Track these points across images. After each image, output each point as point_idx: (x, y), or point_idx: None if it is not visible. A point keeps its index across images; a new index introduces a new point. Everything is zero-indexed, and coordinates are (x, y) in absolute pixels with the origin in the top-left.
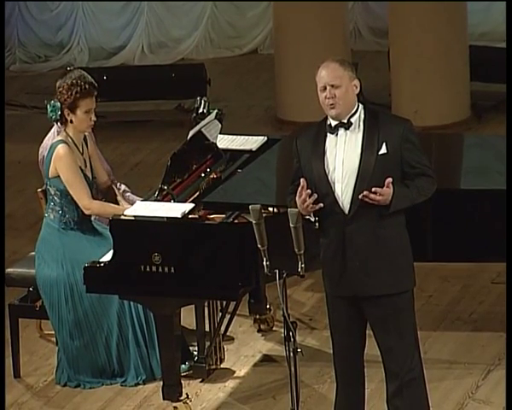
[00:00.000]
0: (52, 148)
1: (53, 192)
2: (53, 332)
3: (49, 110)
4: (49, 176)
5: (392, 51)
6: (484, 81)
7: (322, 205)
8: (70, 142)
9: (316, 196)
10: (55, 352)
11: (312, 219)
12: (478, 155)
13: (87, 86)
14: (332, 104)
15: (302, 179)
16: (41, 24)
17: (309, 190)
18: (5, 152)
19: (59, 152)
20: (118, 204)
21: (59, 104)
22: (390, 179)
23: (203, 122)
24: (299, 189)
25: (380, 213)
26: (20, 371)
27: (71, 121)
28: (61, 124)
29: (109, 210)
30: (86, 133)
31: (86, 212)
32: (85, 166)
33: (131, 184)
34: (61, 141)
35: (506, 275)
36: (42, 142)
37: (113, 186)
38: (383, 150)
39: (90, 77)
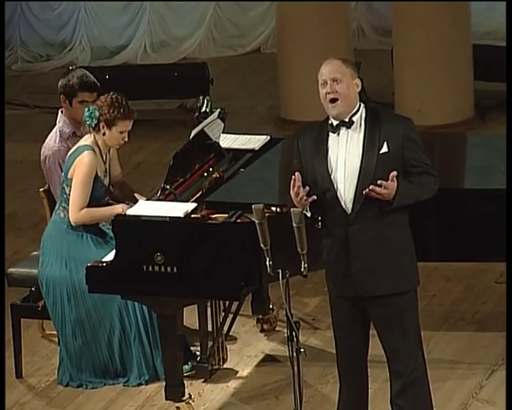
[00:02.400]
0: (79, 150)
1: (68, 192)
2: (55, 333)
3: (86, 114)
4: (68, 176)
5: (395, 50)
6: (487, 80)
7: (315, 197)
8: (97, 151)
9: (308, 188)
10: (58, 352)
11: (308, 215)
12: (481, 154)
13: (129, 109)
14: (332, 99)
15: (297, 173)
16: (43, 23)
17: (299, 183)
18: (7, 151)
19: (83, 158)
20: (124, 201)
21: (97, 114)
22: (395, 173)
23: (206, 121)
24: (292, 182)
25: (382, 211)
26: (22, 371)
27: (103, 134)
28: (93, 130)
29: (96, 215)
30: None
31: (72, 222)
32: (105, 176)
33: (134, 184)
34: (90, 147)
35: (506, 276)
36: (44, 141)
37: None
38: (384, 149)
39: (92, 76)
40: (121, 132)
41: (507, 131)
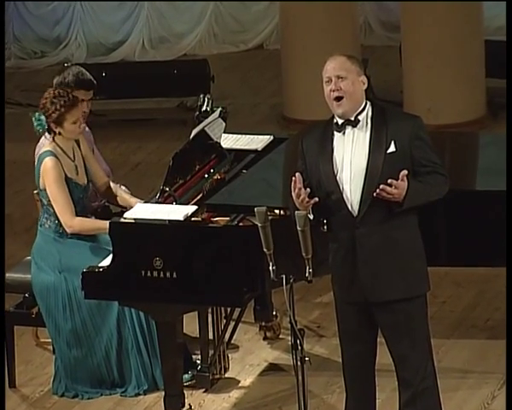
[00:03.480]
0: (40, 159)
1: (46, 202)
2: (50, 340)
3: (35, 124)
4: (40, 187)
5: (404, 46)
6: (500, 77)
7: (317, 199)
8: (59, 152)
9: (309, 190)
10: (52, 361)
11: (311, 217)
12: (494, 154)
13: (71, 97)
14: (337, 97)
15: (297, 174)
16: (37, 18)
17: (300, 185)
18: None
19: (46, 165)
20: (119, 205)
21: (44, 118)
22: (405, 172)
23: (206, 121)
24: (293, 183)
25: (390, 213)
26: (16, 380)
27: (59, 133)
28: (49, 134)
29: (91, 226)
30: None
31: (68, 230)
32: (77, 174)
33: (131, 186)
34: (49, 152)
35: (506, 282)
36: (38, 141)
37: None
38: (392, 149)
39: (88, 74)
40: (74, 123)
41: (507, 131)
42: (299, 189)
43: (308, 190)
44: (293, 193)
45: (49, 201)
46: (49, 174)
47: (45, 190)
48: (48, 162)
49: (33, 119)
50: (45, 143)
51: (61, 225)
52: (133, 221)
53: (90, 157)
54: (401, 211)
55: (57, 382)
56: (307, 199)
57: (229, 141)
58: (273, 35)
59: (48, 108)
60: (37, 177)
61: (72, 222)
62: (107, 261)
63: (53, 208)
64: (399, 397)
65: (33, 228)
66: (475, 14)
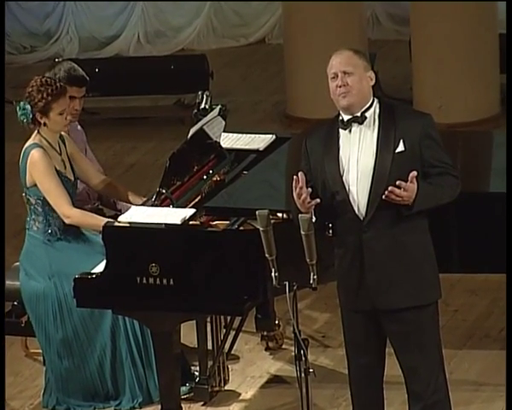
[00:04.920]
0: (26, 153)
1: (34, 202)
2: (40, 351)
3: (19, 113)
4: (27, 185)
5: (413, 40)
6: None
7: (318, 200)
8: (45, 144)
9: (310, 190)
10: (43, 372)
11: (314, 219)
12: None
13: (58, 86)
14: (344, 93)
15: (300, 173)
16: (26, 11)
17: (302, 184)
18: None
19: (33, 157)
20: (116, 207)
21: (29, 107)
22: (414, 173)
23: (205, 119)
24: (294, 183)
25: (399, 216)
26: (4, 393)
27: (44, 124)
28: (34, 126)
29: (90, 221)
30: (62, 132)
31: (66, 220)
32: (65, 168)
33: (126, 187)
34: (35, 145)
35: (506, 289)
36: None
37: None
38: (400, 148)
39: (80, 70)
40: (61, 113)
41: (507, 130)
42: (301, 188)
43: (310, 189)
44: (294, 193)
45: (38, 199)
46: (38, 165)
47: (34, 186)
48: (35, 154)
49: (17, 108)
50: (32, 137)
51: (49, 225)
52: (128, 225)
53: (78, 156)
54: (410, 214)
55: (48, 395)
56: (309, 199)
57: (229, 140)
58: (275, 29)
59: (34, 96)
60: (23, 173)
61: (70, 212)
62: (100, 267)
63: (41, 207)
64: None
65: (22, 232)
66: (489, 7)
